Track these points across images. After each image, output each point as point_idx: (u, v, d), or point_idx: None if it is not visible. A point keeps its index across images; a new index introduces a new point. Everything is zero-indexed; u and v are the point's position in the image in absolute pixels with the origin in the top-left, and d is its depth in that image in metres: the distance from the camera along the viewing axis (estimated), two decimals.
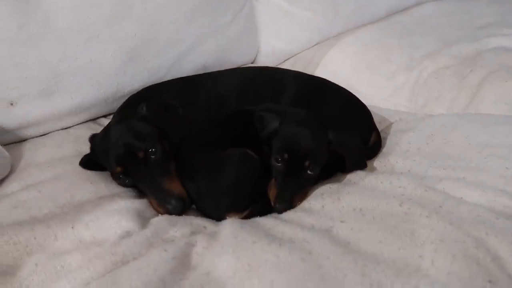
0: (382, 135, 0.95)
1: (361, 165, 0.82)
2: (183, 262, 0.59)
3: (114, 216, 0.70)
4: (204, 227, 0.70)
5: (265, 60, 1.46)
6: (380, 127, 0.98)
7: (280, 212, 0.74)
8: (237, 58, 1.34)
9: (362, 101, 0.99)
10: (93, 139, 0.85)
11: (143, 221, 0.71)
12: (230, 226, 0.66)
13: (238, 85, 1.05)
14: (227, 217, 0.73)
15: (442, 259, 0.52)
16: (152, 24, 1.06)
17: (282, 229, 0.64)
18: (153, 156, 0.78)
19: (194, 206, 0.81)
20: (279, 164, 0.78)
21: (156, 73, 1.08)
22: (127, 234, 0.66)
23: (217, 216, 0.75)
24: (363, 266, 0.53)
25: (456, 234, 0.55)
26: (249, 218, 0.74)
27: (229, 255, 0.58)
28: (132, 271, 0.56)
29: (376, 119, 0.99)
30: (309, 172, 0.77)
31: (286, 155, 0.76)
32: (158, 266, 0.56)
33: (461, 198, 0.64)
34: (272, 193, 0.78)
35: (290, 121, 0.80)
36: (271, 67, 1.23)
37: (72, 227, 0.66)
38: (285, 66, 1.44)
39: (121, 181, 0.80)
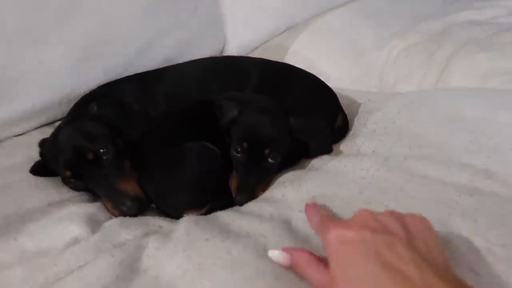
0: (349, 117, 0.91)
1: (326, 150, 0.78)
2: (131, 267, 0.54)
3: (63, 222, 0.65)
4: (160, 226, 0.66)
5: (233, 50, 1.41)
6: (348, 109, 0.94)
7: (241, 204, 0.70)
8: (202, 50, 1.29)
9: (332, 84, 0.95)
10: (43, 144, 0.80)
11: (95, 226, 0.66)
12: (185, 224, 0.62)
13: (199, 76, 1.00)
14: (186, 215, 0.69)
15: None
16: (104, 21, 1.01)
17: (239, 223, 0.60)
18: (104, 157, 0.73)
19: (154, 206, 0.77)
20: (239, 155, 0.74)
21: (112, 72, 1.03)
22: (75, 241, 0.61)
23: (176, 214, 0.70)
24: None
25: None
26: (210, 213, 0.70)
27: (180, 255, 0.54)
28: (74, 281, 0.51)
29: (344, 102, 0.95)
30: (270, 160, 0.73)
31: (245, 144, 0.72)
32: (102, 273, 0.52)
33: (425, 176, 0.60)
34: (233, 185, 0.74)
35: (249, 109, 0.76)
36: (233, 56, 1.19)
37: (15, 239, 0.61)
38: (254, 55, 1.40)
39: (73, 185, 0.75)
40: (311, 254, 0.46)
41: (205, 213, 0.70)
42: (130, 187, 0.72)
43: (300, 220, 0.58)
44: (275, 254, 0.48)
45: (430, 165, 0.62)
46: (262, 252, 0.51)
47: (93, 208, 0.71)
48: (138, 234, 0.63)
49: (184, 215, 0.69)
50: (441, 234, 0.48)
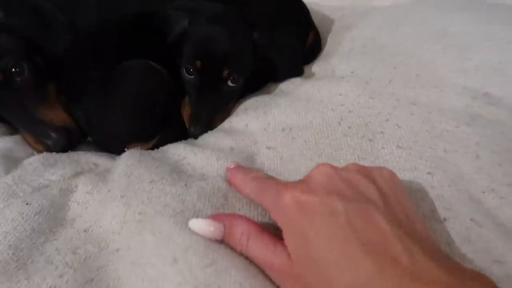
0: (322, 35, 0.79)
1: (296, 71, 0.66)
2: (53, 217, 0.43)
3: None
4: (95, 164, 0.54)
5: None
6: (321, 26, 0.81)
7: (195, 136, 0.58)
8: None
9: None
10: None
11: (12, 164, 0.53)
12: (125, 161, 0.50)
13: None
14: (128, 150, 0.57)
15: None
16: None
17: (193, 160, 0.49)
18: (18, 78, 0.57)
19: (91, 139, 0.64)
20: (191, 76, 0.60)
21: None
22: None
23: (116, 149, 0.58)
24: None
25: (405, 161, 0.42)
26: (158, 148, 0.58)
27: (117, 201, 0.42)
28: None
29: (316, 18, 0.82)
30: (230, 84, 0.60)
31: (198, 63, 0.59)
32: (11, 226, 0.40)
33: (414, 102, 0.50)
34: (186, 113, 0.62)
35: (202, 19, 0.61)
36: None
37: None
38: None
39: None
40: (252, 222, 0.34)
41: (153, 148, 0.58)
42: (55, 115, 0.58)
43: (267, 159, 0.47)
44: (197, 224, 0.35)
45: (420, 89, 0.52)
46: (221, 200, 0.40)
47: (9, 143, 0.58)
48: (66, 174, 0.50)
49: (126, 150, 0.57)
50: (437, 177, 0.39)
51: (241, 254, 0.34)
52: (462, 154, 0.41)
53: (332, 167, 0.34)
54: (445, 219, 0.36)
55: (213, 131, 0.58)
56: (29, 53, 0.60)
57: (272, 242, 0.32)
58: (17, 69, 0.57)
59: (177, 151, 0.53)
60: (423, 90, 0.51)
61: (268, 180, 0.37)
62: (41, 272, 0.35)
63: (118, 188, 0.44)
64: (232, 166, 0.43)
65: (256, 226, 0.34)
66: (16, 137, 0.59)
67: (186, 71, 0.60)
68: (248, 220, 0.35)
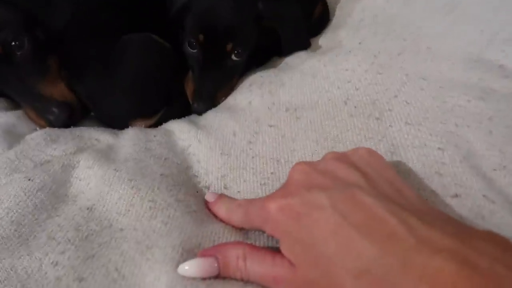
0: (330, 6, 0.76)
1: (303, 44, 0.64)
2: (55, 193, 0.42)
3: None
4: (98, 140, 0.53)
5: None
6: None
7: (200, 113, 0.57)
8: None
9: None
10: None
11: (14, 140, 0.52)
12: (130, 140, 0.50)
13: None
14: (131, 126, 0.56)
15: None
16: None
17: (198, 149, 0.48)
18: (19, 52, 0.56)
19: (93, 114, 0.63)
20: (194, 50, 0.59)
21: None
22: None
23: (119, 125, 0.57)
24: None
25: (414, 138, 0.40)
26: (161, 124, 0.57)
27: (125, 184, 0.42)
28: None
29: None
30: (233, 58, 0.59)
31: (201, 37, 0.57)
32: (14, 203, 0.40)
33: (425, 77, 0.48)
34: (189, 89, 0.61)
35: None
36: None
37: None
38: None
39: None
40: (244, 243, 0.33)
41: (156, 124, 0.58)
42: (57, 90, 0.58)
43: (268, 137, 0.46)
44: (189, 268, 0.32)
45: (430, 61, 0.50)
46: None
47: (12, 118, 0.57)
48: (67, 149, 0.50)
49: (130, 126, 0.56)
50: (448, 153, 0.38)
51: (242, 279, 0.32)
52: (474, 129, 0.39)
53: (307, 163, 0.33)
54: (456, 195, 0.35)
55: (217, 109, 0.57)
56: (29, 26, 0.58)
57: (269, 255, 0.31)
58: (17, 43, 0.56)
59: (181, 134, 0.52)
60: (434, 63, 0.49)
61: (252, 200, 0.36)
62: (43, 248, 0.35)
63: (125, 171, 0.44)
64: (212, 200, 0.40)
65: (249, 245, 0.33)
66: (19, 112, 0.58)
67: (188, 45, 0.59)
68: (240, 242, 0.34)
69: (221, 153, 0.46)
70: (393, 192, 0.29)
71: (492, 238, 0.24)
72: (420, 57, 0.51)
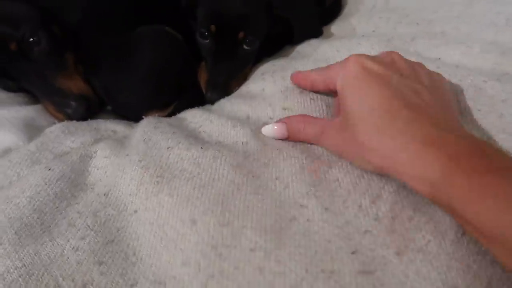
0: None
1: (315, 32, 0.64)
2: (74, 182, 0.44)
3: None
4: (114, 131, 0.55)
5: None
6: None
7: (212, 102, 0.58)
8: None
9: None
10: None
11: (34, 133, 0.54)
12: (142, 128, 0.50)
13: None
14: (145, 117, 0.57)
15: None
16: None
17: (209, 127, 0.49)
18: (36, 48, 0.58)
19: (110, 107, 0.64)
20: (206, 41, 0.59)
21: None
22: (5, 152, 0.50)
23: (134, 116, 0.58)
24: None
25: None
26: (175, 115, 0.58)
27: (135, 165, 0.43)
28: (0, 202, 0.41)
29: None
30: (245, 47, 0.59)
31: (212, 27, 0.57)
32: (35, 191, 0.41)
33: (437, 63, 0.47)
34: (202, 79, 0.61)
35: None
36: None
37: None
38: None
39: (3, 84, 0.61)
40: (305, 115, 0.43)
41: (170, 115, 0.58)
42: (74, 84, 0.59)
43: (282, 117, 0.46)
44: (268, 129, 0.43)
45: (444, 46, 0.49)
46: (236, 164, 0.40)
47: (32, 112, 0.59)
48: (86, 141, 0.51)
49: (144, 117, 0.57)
50: None
51: (301, 140, 0.41)
52: (485, 113, 0.39)
53: (399, 54, 0.40)
54: None
55: (230, 96, 0.57)
56: (46, 22, 0.60)
57: (323, 119, 0.42)
58: (35, 39, 0.57)
59: (193, 119, 0.52)
60: (448, 47, 0.49)
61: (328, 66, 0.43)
62: (64, 234, 0.37)
63: (136, 153, 0.45)
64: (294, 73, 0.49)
65: (309, 116, 0.43)
66: (38, 106, 0.60)
67: (200, 36, 0.59)
68: (302, 115, 0.43)
69: (233, 126, 0.46)
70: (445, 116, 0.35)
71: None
72: (434, 41, 0.50)
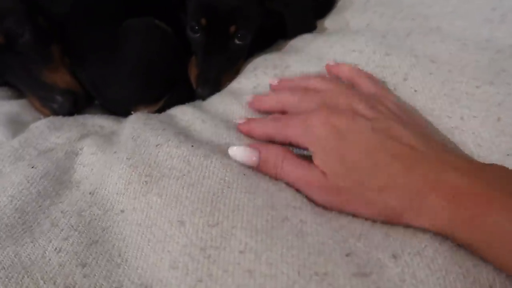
0: None
1: (309, 27, 0.63)
2: (59, 180, 0.42)
3: None
4: (101, 127, 0.53)
5: None
6: None
7: (204, 98, 0.57)
8: None
9: None
10: None
11: (18, 128, 0.52)
12: (130, 124, 0.49)
13: None
14: (134, 112, 0.56)
15: None
16: None
17: (201, 127, 0.47)
18: (22, 40, 0.56)
19: (97, 102, 0.63)
20: (197, 35, 0.58)
21: None
22: None
23: (122, 111, 0.57)
24: None
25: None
26: (165, 111, 0.56)
27: (123, 163, 0.41)
28: None
29: None
30: (237, 41, 0.58)
31: (203, 21, 0.56)
32: (18, 190, 0.40)
33: (434, 59, 0.46)
34: (193, 74, 0.60)
35: None
36: None
37: None
38: None
39: None
40: (286, 148, 0.37)
41: (159, 110, 0.57)
42: (60, 78, 0.57)
43: None
44: (237, 150, 0.37)
45: (440, 42, 0.48)
46: (226, 161, 0.39)
47: (16, 107, 0.57)
48: (71, 137, 0.50)
49: (132, 112, 0.56)
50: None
51: (275, 177, 0.36)
52: (482, 119, 0.38)
53: (353, 92, 0.39)
54: None
55: (221, 93, 0.56)
56: (31, 14, 0.58)
57: (305, 162, 0.35)
58: (20, 31, 0.56)
59: (184, 116, 0.51)
60: (444, 44, 0.48)
61: (289, 115, 0.40)
62: (47, 234, 0.35)
63: (124, 150, 0.43)
64: (242, 121, 0.43)
65: (290, 150, 0.37)
66: (23, 101, 0.58)
67: (191, 29, 0.58)
68: (282, 146, 0.37)
69: (227, 127, 0.45)
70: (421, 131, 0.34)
71: (499, 168, 0.29)
72: (430, 37, 0.49)
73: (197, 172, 0.38)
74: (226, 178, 0.37)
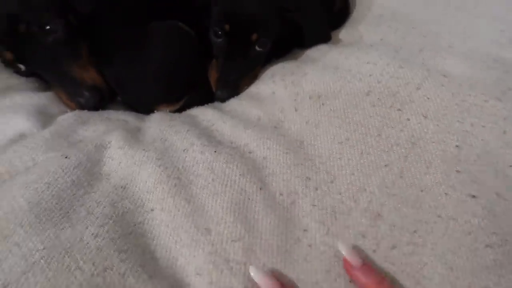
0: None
1: (324, 38, 0.66)
2: (90, 171, 0.45)
3: (5, 115, 0.54)
4: (125, 121, 0.56)
5: None
6: None
7: (223, 100, 0.59)
8: None
9: None
10: None
11: (47, 120, 0.55)
12: (157, 124, 0.52)
13: None
14: (156, 110, 0.59)
15: (413, 169, 0.40)
16: None
17: (221, 127, 0.51)
18: (53, 35, 0.58)
19: (120, 99, 0.65)
20: (220, 39, 0.61)
21: None
22: (20, 138, 0.51)
23: (145, 109, 0.60)
24: (315, 188, 0.41)
25: (432, 133, 0.43)
26: (185, 110, 0.59)
27: (153, 163, 0.44)
28: (17, 187, 0.41)
29: None
30: (257, 48, 0.61)
31: (227, 27, 0.59)
32: (54, 178, 0.42)
33: (445, 74, 0.50)
34: (213, 76, 0.63)
35: None
36: None
37: None
38: None
39: (17, 69, 0.61)
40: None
41: (180, 110, 0.60)
42: (88, 74, 0.60)
43: (294, 123, 0.49)
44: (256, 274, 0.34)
45: (451, 59, 0.52)
46: (247, 168, 0.43)
47: (44, 99, 0.59)
48: (98, 130, 0.53)
49: (155, 111, 0.59)
50: (463, 151, 0.41)
51: None
52: (490, 129, 0.42)
53: None
54: (473, 196, 0.37)
55: (240, 97, 0.59)
56: (63, 11, 0.60)
57: None
58: (52, 26, 0.58)
59: (205, 117, 0.54)
60: (454, 61, 0.51)
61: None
62: (83, 221, 0.38)
63: (153, 150, 0.46)
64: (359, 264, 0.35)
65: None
66: (49, 94, 0.61)
67: (214, 34, 0.61)
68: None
69: (244, 127, 0.48)
70: None
71: None
72: (441, 54, 0.53)
73: (220, 181, 0.42)
74: (246, 188, 0.42)
